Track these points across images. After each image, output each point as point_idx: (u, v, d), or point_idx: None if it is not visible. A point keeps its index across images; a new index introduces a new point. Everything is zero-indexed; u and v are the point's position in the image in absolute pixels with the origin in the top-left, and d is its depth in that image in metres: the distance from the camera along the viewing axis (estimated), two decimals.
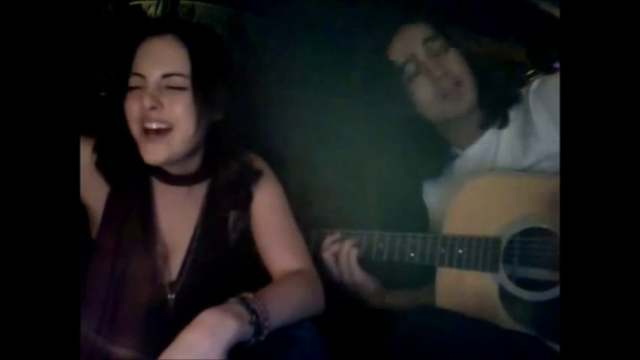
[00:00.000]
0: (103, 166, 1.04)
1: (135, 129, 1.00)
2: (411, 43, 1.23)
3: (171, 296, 1.03)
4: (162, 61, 1.00)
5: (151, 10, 1.74)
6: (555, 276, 1.13)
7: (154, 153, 0.99)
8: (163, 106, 0.98)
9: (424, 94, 1.22)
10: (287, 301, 0.97)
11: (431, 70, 1.20)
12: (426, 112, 1.25)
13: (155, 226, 1.06)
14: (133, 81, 1.00)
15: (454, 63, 1.22)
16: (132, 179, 1.06)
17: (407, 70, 1.23)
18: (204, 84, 1.01)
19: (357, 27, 1.41)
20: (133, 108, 0.99)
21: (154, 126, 0.98)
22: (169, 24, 1.05)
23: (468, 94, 1.21)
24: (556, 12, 1.60)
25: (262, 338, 0.89)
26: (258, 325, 0.88)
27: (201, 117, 1.01)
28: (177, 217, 1.08)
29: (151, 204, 1.07)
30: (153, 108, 0.97)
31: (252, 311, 0.88)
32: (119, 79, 1.02)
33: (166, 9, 1.74)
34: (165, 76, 0.99)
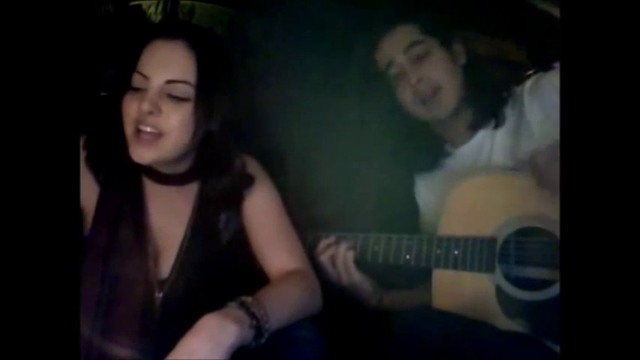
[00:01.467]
0: (92, 162, 1.04)
1: (128, 128, 0.99)
2: (393, 49, 1.25)
3: (158, 295, 1.02)
4: (168, 65, 0.99)
5: (151, 10, 1.74)
6: (552, 275, 1.13)
7: (142, 154, 0.98)
8: (161, 112, 0.97)
9: (404, 97, 1.25)
10: (286, 302, 0.97)
11: (408, 76, 1.23)
12: (411, 113, 1.27)
13: (147, 225, 1.05)
14: (136, 80, 0.99)
15: (434, 69, 1.23)
16: (122, 177, 1.05)
17: (389, 74, 1.26)
18: (208, 96, 1.00)
19: (357, 26, 1.41)
20: (131, 108, 0.98)
21: (148, 129, 0.97)
22: (181, 29, 1.04)
23: (447, 100, 1.23)
24: (556, 12, 1.60)
25: (263, 341, 0.89)
26: (258, 329, 0.88)
27: (197, 129, 1.00)
28: (168, 216, 1.07)
29: (143, 203, 1.06)
30: (150, 113, 0.96)
31: (252, 315, 0.88)
32: (122, 76, 1.01)
33: (166, 9, 1.74)
34: (170, 82, 0.98)
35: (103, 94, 1.46)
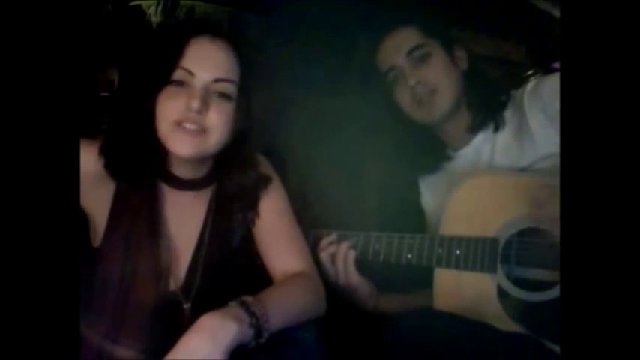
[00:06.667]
0: (111, 168, 1.02)
1: (165, 123, 0.97)
2: (395, 53, 1.27)
3: (186, 305, 1.02)
4: (215, 63, 0.99)
5: (151, 10, 1.74)
6: (553, 276, 1.13)
7: (184, 145, 0.97)
8: (208, 111, 0.97)
9: (402, 99, 1.27)
10: (287, 303, 0.97)
11: (407, 79, 1.24)
12: (408, 116, 1.28)
13: (162, 233, 1.04)
14: (179, 74, 0.98)
15: (433, 71, 1.25)
16: (138, 184, 1.03)
17: (389, 77, 1.27)
18: (248, 95, 1.02)
19: (357, 26, 1.41)
20: (172, 103, 0.97)
21: (193, 127, 0.96)
22: (221, 29, 1.04)
23: (442, 102, 1.25)
24: (556, 12, 1.60)
25: (263, 340, 0.89)
26: (258, 328, 0.88)
27: (235, 128, 1.02)
28: (183, 222, 1.07)
29: (158, 210, 1.05)
30: (199, 111, 0.96)
31: (252, 314, 0.88)
32: (162, 70, 0.99)
33: (166, 9, 1.74)
34: (217, 80, 0.98)
35: (104, 94, 1.46)
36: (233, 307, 0.89)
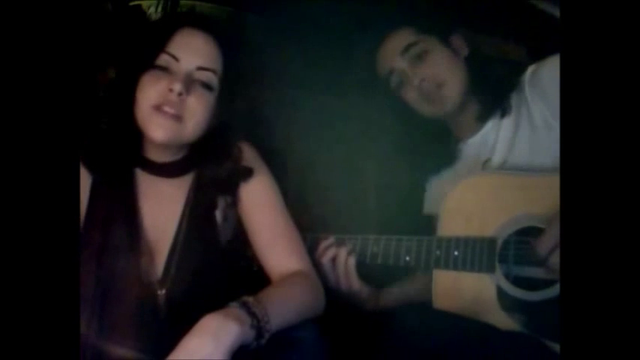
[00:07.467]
0: (88, 159, 1.03)
1: (145, 108, 0.99)
2: (390, 56, 1.27)
3: (160, 292, 1.03)
4: (200, 53, 1.02)
5: (151, 10, 1.74)
6: (552, 275, 1.13)
7: (160, 130, 0.98)
8: (188, 97, 0.99)
9: (410, 98, 1.27)
10: (287, 303, 0.97)
11: (410, 79, 1.24)
12: (418, 112, 1.28)
13: (139, 223, 1.04)
14: (163, 60, 1.00)
15: (435, 66, 1.25)
16: (115, 173, 1.04)
17: (391, 82, 1.27)
18: (230, 88, 1.03)
19: (357, 27, 1.41)
20: (153, 86, 0.98)
21: (171, 111, 0.98)
22: (212, 25, 1.07)
23: (452, 94, 1.25)
24: (556, 12, 1.60)
25: (264, 341, 0.89)
26: (259, 329, 0.88)
27: (213, 118, 1.03)
28: (161, 210, 1.07)
29: (135, 199, 1.05)
30: (179, 94, 0.97)
31: (253, 315, 0.88)
32: (147, 53, 1.01)
33: (166, 9, 1.74)
34: (200, 68, 1.01)
35: (102, 94, 1.46)
36: (234, 307, 0.89)
